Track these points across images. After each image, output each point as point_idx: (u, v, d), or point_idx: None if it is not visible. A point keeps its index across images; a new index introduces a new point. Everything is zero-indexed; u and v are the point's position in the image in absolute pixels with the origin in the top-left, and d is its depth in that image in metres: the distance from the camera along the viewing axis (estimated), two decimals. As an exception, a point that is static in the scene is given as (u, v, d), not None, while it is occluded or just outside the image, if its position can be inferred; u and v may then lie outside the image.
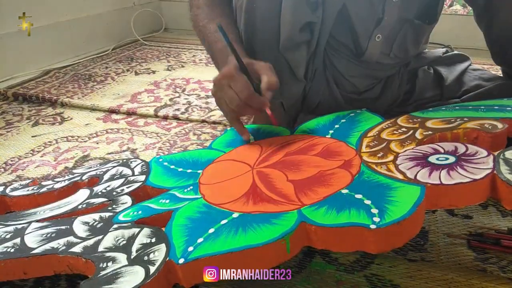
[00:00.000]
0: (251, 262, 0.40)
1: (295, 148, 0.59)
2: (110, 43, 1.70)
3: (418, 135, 0.55)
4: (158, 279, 0.39)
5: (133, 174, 0.61)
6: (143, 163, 0.64)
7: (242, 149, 0.62)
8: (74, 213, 0.53)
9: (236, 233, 0.42)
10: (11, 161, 0.86)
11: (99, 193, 0.57)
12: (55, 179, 0.64)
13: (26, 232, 0.49)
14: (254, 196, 0.48)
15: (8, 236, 0.49)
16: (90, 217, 0.50)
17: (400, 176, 0.46)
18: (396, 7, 0.70)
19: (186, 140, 0.93)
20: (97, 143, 0.92)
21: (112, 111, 1.09)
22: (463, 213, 0.64)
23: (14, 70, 1.34)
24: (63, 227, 0.49)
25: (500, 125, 0.51)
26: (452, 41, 1.45)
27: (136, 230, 0.46)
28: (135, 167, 0.63)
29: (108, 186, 0.58)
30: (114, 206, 0.53)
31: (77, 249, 0.44)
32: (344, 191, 0.46)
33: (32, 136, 0.96)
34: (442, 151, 0.49)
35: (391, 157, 0.51)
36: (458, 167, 0.44)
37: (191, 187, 0.54)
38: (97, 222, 0.49)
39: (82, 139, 0.94)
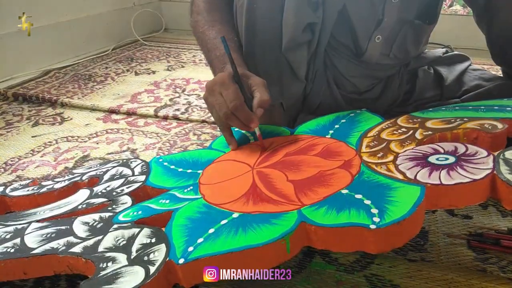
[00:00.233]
0: (251, 262, 0.40)
1: (295, 148, 0.59)
2: (110, 43, 1.70)
3: (418, 135, 0.55)
4: (158, 279, 0.39)
5: (133, 174, 0.61)
6: (143, 163, 0.64)
7: (242, 149, 0.62)
8: (74, 213, 0.53)
9: (236, 233, 0.42)
10: (11, 161, 0.86)
11: (99, 193, 0.57)
12: (55, 179, 0.64)
13: (26, 232, 0.49)
14: (254, 196, 0.48)
15: (8, 236, 0.49)
16: (90, 217, 0.50)
17: (400, 176, 0.46)
18: (396, 8, 0.70)
19: (186, 140, 0.93)
20: (97, 143, 0.93)
21: (112, 111, 1.09)
22: (463, 213, 0.64)
23: (14, 70, 1.35)
24: (63, 227, 0.49)
25: (500, 125, 0.51)
26: (452, 41, 1.45)
27: (136, 230, 0.46)
28: (135, 167, 0.63)
29: (108, 186, 0.58)
30: (114, 206, 0.53)
31: (77, 249, 0.44)
32: (344, 191, 0.46)
33: (32, 136, 0.96)
34: (442, 151, 0.49)
35: (391, 157, 0.51)
36: (458, 167, 0.44)
37: (191, 187, 0.54)
38: (97, 222, 0.49)
39: (82, 139, 0.94)
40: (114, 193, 0.56)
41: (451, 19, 1.60)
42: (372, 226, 0.39)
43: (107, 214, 0.51)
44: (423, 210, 0.42)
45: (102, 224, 0.49)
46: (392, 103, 0.81)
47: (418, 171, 0.45)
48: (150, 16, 1.91)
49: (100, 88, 1.27)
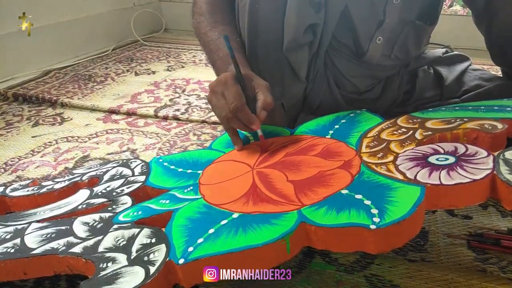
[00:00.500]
0: (251, 262, 0.40)
1: (295, 148, 0.59)
2: (110, 43, 1.70)
3: (418, 135, 0.55)
4: (158, 280, 0.39)
5: (133, 175, 0.61)
6: (143, 163, 0.64)
7: (242, 150, 0.62)
8: (74, 213, 0.53)
9: (236, 233, 0.42)
10: (11, 161, 0.86)
11: (99, 193, 0.57)
12: (55, 180, 0.64)
13: (26, 232, 0.49)
14: (254, 197, 0.48)
15: (8, 237, 0.49)
16: (90, 218, 0.50)
17: (400, 177, 0.46)
18: (397, 9, 0.70)
19: (186, 140, 0.93)
20: (97, 144, 0.93)
21: (112, 111, 1.09)
22: (463, 214, 0.64)
23: (14, 71, 1.35)
24: (63, 228, 0.49)
25: (500, 126, 0.51)
26: (452, 42, 1.45)
27: (136, 230, 0.46)
28: (135, 167, 0.63)
29: (108, 187, 0.58)
30: (114, 207, 0.53)
31: (77, 249, 0.44)
32: (344, 191, 0.46)
33: (32, 137, 0.96)
34: (442, 151, 0.49)
35: (391, 158, 0.51)
36: (458, 167, 0.44)
37: (191, 188, 0.54)
38: (97, 223, 0.49)
39: (82, 140, 0.94)
40: (114, 193, 0.56)
41: (451, 20, 1.60)
42: (372, 226, 0.39)
43: (107, 214, 0.51)
44: (423, 210, 0.42)
45: (102, 224, 0.49)
46: (392, 103, 0.81)
47: (418, 171, 0.45)
48: (150, 16, 1.92)
49: (100, 88, 1.27)
